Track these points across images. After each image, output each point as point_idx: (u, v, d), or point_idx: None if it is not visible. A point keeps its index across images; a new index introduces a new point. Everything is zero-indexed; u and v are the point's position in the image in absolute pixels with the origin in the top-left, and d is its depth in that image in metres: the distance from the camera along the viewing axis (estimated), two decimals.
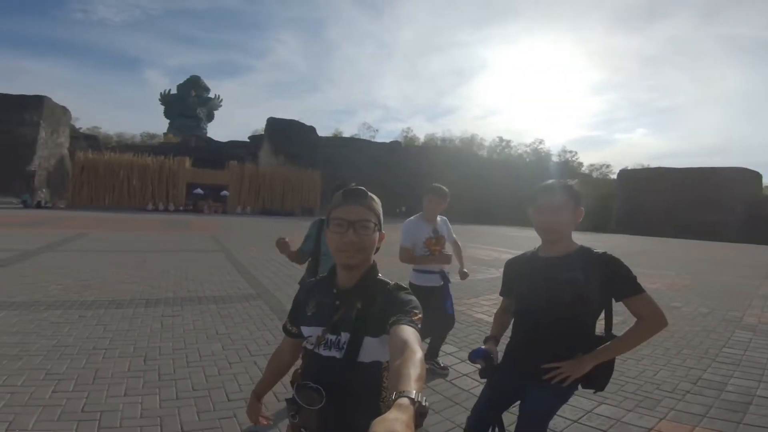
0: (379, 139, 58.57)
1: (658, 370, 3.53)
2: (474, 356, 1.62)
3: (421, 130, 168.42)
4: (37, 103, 36.86)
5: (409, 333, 0.94)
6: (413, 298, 1.11)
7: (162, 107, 67.06)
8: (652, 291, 2.73)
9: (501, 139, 63.34)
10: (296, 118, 50.31)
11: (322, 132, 52.68)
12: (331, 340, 1.12)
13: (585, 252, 1.56)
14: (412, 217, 3.33)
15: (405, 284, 1.19)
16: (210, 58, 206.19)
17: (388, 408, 0.68)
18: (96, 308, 4.69)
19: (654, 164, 53.93)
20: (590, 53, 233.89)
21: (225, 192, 40.64)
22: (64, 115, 41.39)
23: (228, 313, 4.77)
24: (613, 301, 1.54)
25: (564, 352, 1.52)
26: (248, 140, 54.87)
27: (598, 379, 1.53)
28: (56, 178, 37.79)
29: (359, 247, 1.11)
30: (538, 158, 59.81)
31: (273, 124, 48.34)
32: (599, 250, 1.56)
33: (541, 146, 62.77)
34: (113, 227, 16.13)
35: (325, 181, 44.75)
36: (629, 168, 51.31)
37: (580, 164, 62.38)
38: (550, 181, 1.61)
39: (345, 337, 1.11)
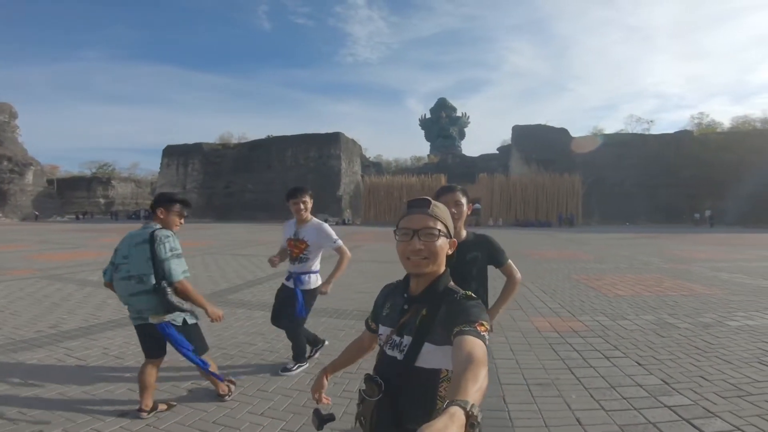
0: (656, 132, 48.82)
1: None
2: None
3: (724, 114, 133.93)
4: (335, 138, 49.08)
5: (474, 345, 0.93)
6: (482, 308, 1.08)
7: (422, 131, 76.74)
8: None
9: None
10: (544, 122, 47.51)
11: (577, 132, 47.64)
12: (395, 341, 1.17)
13: (474, 236, 2.38)
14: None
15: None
16: (451, 78, 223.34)
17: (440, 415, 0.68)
18: (319, 316, 5.21)
19: None
20: None
21: (477, 205, 42.15)
22: (355, 147, 53.56)
23: None
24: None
25: None
26: (497, 151, 55.43)
27: None
28: (355, 199, 49.18)
29: (425, 254, 1.13)
30: None
31: (519, 131, 47.00)
32: (479, 233, 2.41)
33: None
34: (385, 240, 18.57)
35: (589, 186, 39.72)
36: None
37: None
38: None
39: (407, 340, 1.14)
